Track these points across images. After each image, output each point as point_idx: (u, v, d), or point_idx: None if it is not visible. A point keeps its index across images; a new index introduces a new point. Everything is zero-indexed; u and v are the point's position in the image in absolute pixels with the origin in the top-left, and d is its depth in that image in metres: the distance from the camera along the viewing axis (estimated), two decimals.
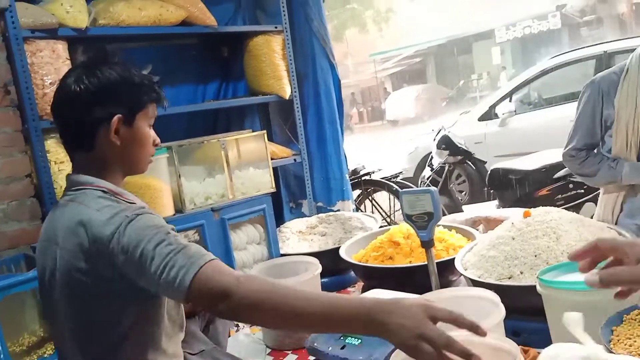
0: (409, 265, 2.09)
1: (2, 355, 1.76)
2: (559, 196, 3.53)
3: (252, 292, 1.01)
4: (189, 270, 1.04)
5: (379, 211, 4.13)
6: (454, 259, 1.97)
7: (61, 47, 2.28)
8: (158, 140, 1.40)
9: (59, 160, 2.29)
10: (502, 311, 1.37)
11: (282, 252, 2.60)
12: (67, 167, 2.30)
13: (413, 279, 2.02)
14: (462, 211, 3.60)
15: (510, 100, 5.50)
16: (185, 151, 2.42)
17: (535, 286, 1.48)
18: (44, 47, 2.24)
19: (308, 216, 3.07)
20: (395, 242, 2.23)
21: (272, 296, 1.01)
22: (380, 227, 2.68)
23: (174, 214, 2.31)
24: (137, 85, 1.30)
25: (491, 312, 1.39)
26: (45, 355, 1.90)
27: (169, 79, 2.82)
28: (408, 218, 1.89)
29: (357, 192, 4.00)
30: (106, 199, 1.22)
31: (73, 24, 2.26)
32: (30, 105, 2.20)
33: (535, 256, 1.73)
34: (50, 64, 2.25)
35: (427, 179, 4.39)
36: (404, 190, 1.97)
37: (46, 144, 2.24)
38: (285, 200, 3.26)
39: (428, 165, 4.56)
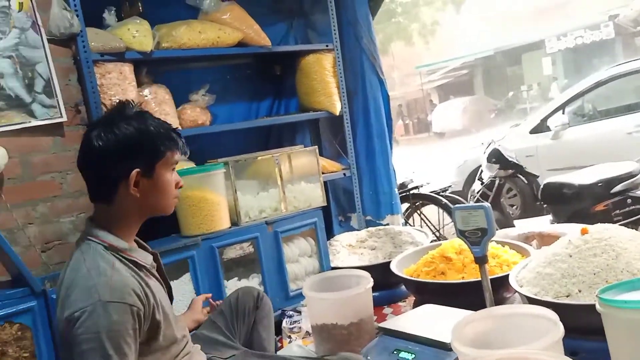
0: (462, 281, 2.09)
1: None
2: (617, 212, 3.41)
3: None
4: None
5: (427, 225, 4.11)
6: (508, 275, 1.95)
7: (128, 69, 2.43)
8: (181, 182, 1.47)
9: None
10: (560, 330, 1.36)
11: (332, 265, 2.65)
12: None
13: (466, 295, 2.02)
14: (514, 226, 3.53)
15: (563, 113, 5.36)
16: (241, 166, 2.51)
17: (594, 305, 1.46)
18: (112, 69, 2.39)
19: (357, 230, 3.10)
20: (448, 257, 2.24)
21: None
22: (431, 241, 2.69)
23: (230, 227, 2.40)
24: (153, 136, 1.36)
25: (549, 330, 1.38)
26: None
27: (224, 97, 2.94)
28: (461, 234, 1.90)
29: (405, 205, 3.99)
30: (101, 257, 1.29)
31: (139, 47, 2.40)
32: None
33: (594, 274, 1.70)
34: (117, 85, 2.40)
35: (477, 192, 4.33)
36: (457, 206, 1.98)
37: None
38: (334, 213, 3.31)
39: (478, 179, 4.49)
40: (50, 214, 2.29)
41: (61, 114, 2.32)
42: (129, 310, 1.22)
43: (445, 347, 1.62)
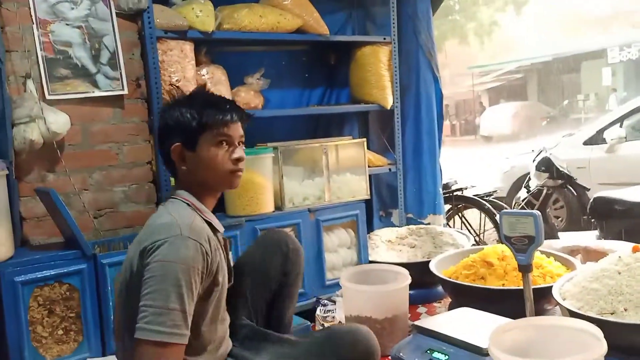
0: (502, 287, 2.06)
1: (112, 326, 1.96)
2: None
3: None
4: (144, 331, 1.18)
5: (467, 229, 4.05)
6: (551, 287, 1.91)
7: (188, 48, 2.49)
8: (238, 155, 1.50)
9: None
10: (604, 347, 1.33)
11: (370, 259, 2.65)
12: None
13: (505, 303, 1.99)
14: (558, 238, 3.44)
15: (620, 126, 5.16)
16: (289, 152, 2.54)
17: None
18: (174, 47, 2.45)
19: (397, 226, 3.09)
20: (489, 262, 2.21)
21: None
22: (472, 245, 2.65)
23: (273, 211, 2.43)
24: (186, 114, 1.43)
25: (592, 346, 1.35)
26: None
27: (278, 83, 2.97)
28: (506, 239, 1.87)
29: (447, 206, 3.95)
30: (185, 208, 1.39)
31: (201, 27, 2.45)
32: (158, 99, 2.42)
33: None
34: (178, 63, 2.46)
35: (523, 200, 4.24)
36: (505, 211, 1.95)
37: None
38: (375, 208, 3.30)
39: (524, 187, 4.40)
40: (104, 182, 2.38)
41: (123, 86, 2.41)
42: (202, 252, 1.28)
43: (480, 351, 1.60)
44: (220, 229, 1.49)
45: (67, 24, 2.30)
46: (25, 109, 2.13)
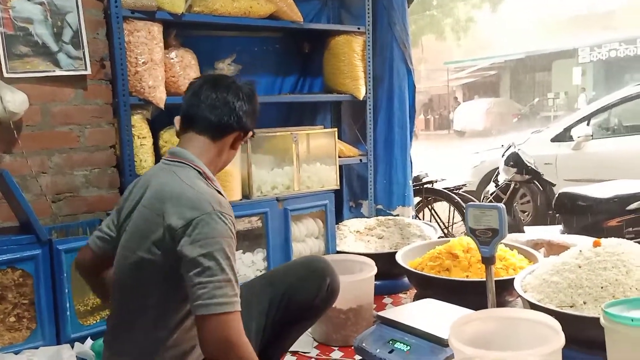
0: (466, 279, 2.08)
1: (69, 313, 1.90)
2: (629, 229, 3.35)
3: (248, 358, 1.21)
4: (209, 307, 1.18)
5: (437, 221, 4.08)
6: (513, 279, 1.93)
7: (157, 29, 2.41)
8: None
9: (141, 135, 2.43)
10: (561, 339, 1.34)
11: (338, 249, 2.64)
12: (148, 142, 2.44)
13: (468, 294, 2.00)
14: (524, 232, 3.49)
15: (588, 124, 5.26)
16: (259, 140, 2.50)
17: (598, 318, 1.44)
18: (141, 28, 2.37)
19: (367, 217, 3.09)
20: (454, 254, 2.22)
21: None
22: (439, 237, 2.67)
23: (241, 199, 2.40)
24: (255, 114, 1.52)
25: (550, 338, 1.36)
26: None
27: (250, 69, 2.92)
28: (471, 232, 1.88)
29: (417, 199, 3.96)
30: (199, 179, 1.35)
31: (170, 8, 2.38)
32: (123, 81, 2.34)
33: (602, 288, 1.68)
34: (145, 44, 2.38)
35: (491, 194, 4.28)
36: (470, 203, 1.95)
37: (132, 119, 2.39)
38: (345, 198, 3.29)
39: (493, 181, 4.44)
40: (65, 165, 2.30)
41: (86, 66, 2.33)
42: (233, 223, 1.31)
43: (441, 342, 1.61)
44: (226, 196, 1.46)
45: (28, 0, 2.20)
46: None
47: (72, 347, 1.83)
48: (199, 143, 1.43)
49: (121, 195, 2.41)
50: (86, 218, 2.30)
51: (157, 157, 2.48)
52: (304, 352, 2.00)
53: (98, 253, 1.46)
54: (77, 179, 2.33)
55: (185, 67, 2.56)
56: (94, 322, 1.99)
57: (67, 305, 1.88)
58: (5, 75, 2.14)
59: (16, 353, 1.74)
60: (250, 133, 1.53)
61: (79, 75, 2.32)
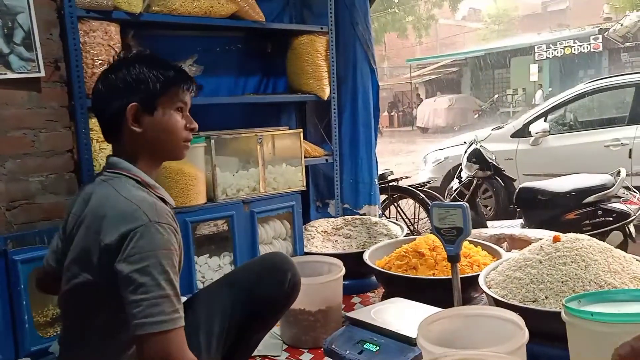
0: (432, 277, 2.10)
1: (27, 325, 1.83)
2: (587, 222, 3.47)
3: None
4: (145, 326, 1.12)
5: (402, 218, 4.13)
6: (478, 275, 1.97)
7: (114, 30, 2.34)
8: (194, 125, 1.42)
9: (100, 139, 2.35)
10: (525, 335, 1.37)
11: (305, 250, 2.63)
12: (108, 146, 2.36)
13: (435, 292, 2.03)
14: (487, 227, 3.57)
15: (545, 120, 5.42)
16: (222, 142, 2.46)
17: (560, 312, 1.48)
18: (97, 28, 2.30)
19: (334, 217, 3.09)
20: (421, 252, 2.24)
21: None
22: (406, 235, 2.69)
23: (205, 202, 2.36)
24: (150, 74, 1.34)
25: (514, 334, 1.39)
26: None
27: (212, 69, 2.87)
28: (437, 231, 1.90)
29: (383, 197, 4.00)
30: (137, 188, 1.28)
31: (127, 8, 2.32)
32: (79, 83, 2.27)
33: (562, 282, 1.72)
34: (101, 45, 2.31)
35: (455, 190, 4.36)
36: (435, 202, 1.97)
37: (90, 122, 2.31)
38: (312, 198, 3.29)
39: (457, 177, 4.53)
40: (19, 171, 2.21)
41: (39, 69, 2.23)
42: (174, 234, 1.23)
43: (410, 342, 1.62)
44: (172, 202, 1.41)
45: None
46: None
47: None
48: (117, 147, 1.37)
49: None
50: (43, 226, 2.21)
51: None
52: (274, 356, 1.98)
53: (54, 271, 1.39)
54: (32, 185, 2.24)
55: None
56: (54, 333, 1.92)
57: (25, 317, 1.81)
58: None
59: None
60: (136, 104, 1.31)
61: (32, 78, 2.22)
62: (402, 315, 1.79)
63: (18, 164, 2.20)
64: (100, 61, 2.32)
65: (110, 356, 1.26)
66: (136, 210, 1.20)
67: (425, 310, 1.77)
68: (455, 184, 4.47)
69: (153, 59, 1.38)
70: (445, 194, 4.72)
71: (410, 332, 1.62)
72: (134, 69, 1.33)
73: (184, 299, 1.26)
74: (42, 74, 2.23)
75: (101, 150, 2.35)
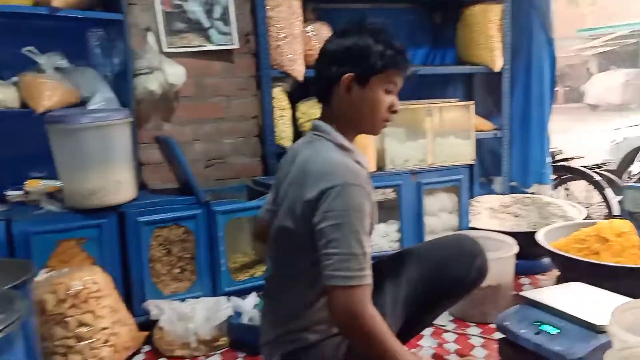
0: (623, 265, 1.93)
1: (223, 268, 2.08)
2: None
3: (372, 330, 1.21)
4: (333, 279, 1.20)
5: (572, 201, 3.82)
6: None
7: (296, 4, 2.48)
8: (397, 107, 1.43)
9: (281, 107, 2.54)
10: None
11: (470, 225, 2.58)
12: (287, 114, 2.55)
13: (622, 280, 1.86)
14: None
15: None
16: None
17: None
18: (281, 3, 2.46)
19: (499, 194, 2.98)
20: (604, 238, 2.07)
21: (379, 343, 1.22)
22: (584, 219, 2.50)
23: (375, 171, 2.43)
24: (375, 50, 1.34)
25: None
26: (255, 276, 2.19)
27: None
28: (630, 215, 1.74)
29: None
30: (337, 151, 1.35)
31: None
32: (265, 55, 2.46)
33: None
34: (285, 19, 2.47)
35: (636, 174, 3.91)
36: (629, 184, 1.81)
37: (273, 91, 2.51)
38: (476, 174, 3.19)
39: (639, 161, 4.05)
40: (215, 134, 2.49)
41: (234, 41, 2.47)
42: (368, 198, 1.29)
43: (594, 328, 1.52)
44: (368, 166, 1.45)
45: None
46: (146, 60, 2.25)
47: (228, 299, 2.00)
48: (325, 110, 1.43)
49: (264, 164, 2.56)
50: (233, 184, 2.47)
51: (295, 128, 2.58)
52: (441, 325, 2.00)
53: (266, 222, 1.52)
54: (225, 146, 2.51)
55: (322, 40, 2.61)
56: (243, 278, 2.15)
57: (222, 261, 2.06)
58: (165, 49, 2.33)
59: (182, 301, 1.95)
60: (352, 75, 1.33)
61: (228, 50, 2.47)
62: (585, 301, 1.68)
63: (214, 127, 2.48)
64: (284, 34, 2.48)
65: (308, 302, 1.37)
66: (334, 171, 1.27)
67: (611, 298, 1.65)
68: (637, 167, 4.01)
69: (382, 35, 1.38)
70: (623, 178, 4.26)
71: (595, 318, 1.52)
72: (363, 41, 1.35)
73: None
74: (237, 45, 2.45)
75: (281, 117, 2.54)
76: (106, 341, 1.66)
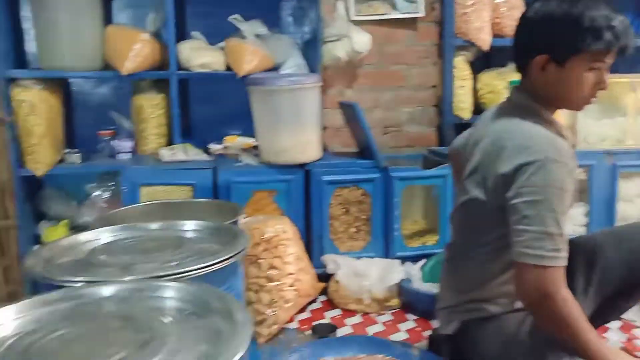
0: None
1: (396, 233, 2.12)
2: None
3: (564, 313, 1.15)
4: (523, 256, 1.15)
5: None
6: None
7: None
8: (606, 85, 1.27)
9: (462, 77, 2.47)
10: None
11: None
12: (468, 84, 2.47)
13: None
14: None
15: None
16: None
17: None
18: None
19: None
20: None
21: (570, 327, 1.16)
22: None
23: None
24: (577, 27, 1.19)
25: None
26: (427, 244, 2.19)
27: None
28: None
29: None
30: (537, 124, 1.25)
31: None
32: (450, 23, 2.40)
33: None
34: None
35: None
36: None
37: (455, 61, 2.45)
38: None
39: None
40: (393, 102, 2.51)
41: (419, 9, 2.44)
42: (570, 175, 1.22)
43: None
44: (571, 139, 1.34)
45: None
46: (335, 28, 2.34)
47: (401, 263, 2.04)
48: (523, 80, 1.33)
49: (439, 134, 2.53)
50: (408, 152, 2.48)
51: (475, 99, 2.50)
52: (632, 320, 1.82)
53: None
54: (402, 115, 2.52)
55: (512, 8, 2.47)
56: (415, 245, 2.17)
57: (396, 226, 2.10)
58: (353, 18, 2.40)
59: (357, 258, 2.04)
60: (546, 57, 1.22)
61: (412, 18, 2.45)
62: None
63: (393, 95, 2.50)
64: (471, 2, 2.39)
65: (492, 273, 1.34)
66: (535, 145, 1.20)
67: None
68: None
69: (592, 11, 1.20)
70: None
71: None
72: (570, 14, 1.21)
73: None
74: (422, 13, 2.43)
75: (461, 87, 2.47)
76: (291, 285, 1.80)
